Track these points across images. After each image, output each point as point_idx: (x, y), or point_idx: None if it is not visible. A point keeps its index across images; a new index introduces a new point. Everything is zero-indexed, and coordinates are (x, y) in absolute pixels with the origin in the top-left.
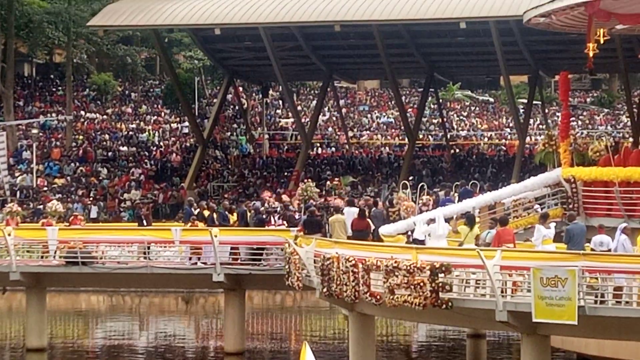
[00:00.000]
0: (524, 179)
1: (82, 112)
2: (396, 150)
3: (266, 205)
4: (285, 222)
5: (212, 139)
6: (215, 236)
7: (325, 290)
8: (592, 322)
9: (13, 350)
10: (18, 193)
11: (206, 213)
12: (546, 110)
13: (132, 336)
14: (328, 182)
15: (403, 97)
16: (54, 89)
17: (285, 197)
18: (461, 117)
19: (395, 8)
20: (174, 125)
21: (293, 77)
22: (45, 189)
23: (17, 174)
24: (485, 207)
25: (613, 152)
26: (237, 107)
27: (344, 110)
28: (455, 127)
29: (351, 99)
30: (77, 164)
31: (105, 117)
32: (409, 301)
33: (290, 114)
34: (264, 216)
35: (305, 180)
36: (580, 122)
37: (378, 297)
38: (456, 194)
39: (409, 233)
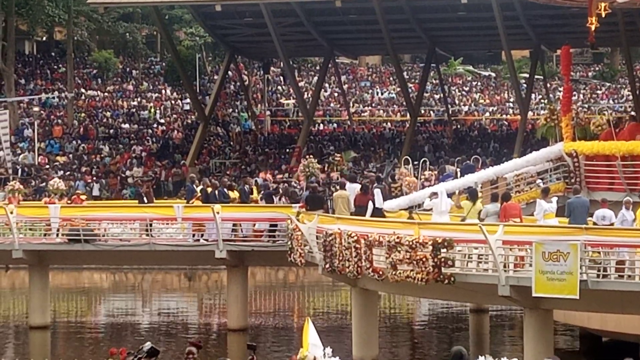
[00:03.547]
0: (526, 153)
1: (83, 90)
2: (398, 125)
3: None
4: (285, 198)
5: (213, 116)
6: (218, 213)
7: (327, 266)
8: (594, 296)
9: (16, 328)
10: (20, 171)
11: (209, 190)
12: (548, 85)
13: (135, 313)
14: (330, 158)
15: (404, 73)
16: (55, 67)
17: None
18: (463, 92)
19: None
20: (176, 102)
21: (294, 53)
22: (47, 166)
23: (18, 152)
24: (488, 182)
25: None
26: (238, 84)
27: (345, 86)
28: (457, 102)
29: (353, 74)
30: (79, 141)
31: (106, 94)
32: (412, 276)
33: (292, 94)
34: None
35: (307, 157)
36: (582, 96)
37: (381, 272)
38: (458, 169)
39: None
